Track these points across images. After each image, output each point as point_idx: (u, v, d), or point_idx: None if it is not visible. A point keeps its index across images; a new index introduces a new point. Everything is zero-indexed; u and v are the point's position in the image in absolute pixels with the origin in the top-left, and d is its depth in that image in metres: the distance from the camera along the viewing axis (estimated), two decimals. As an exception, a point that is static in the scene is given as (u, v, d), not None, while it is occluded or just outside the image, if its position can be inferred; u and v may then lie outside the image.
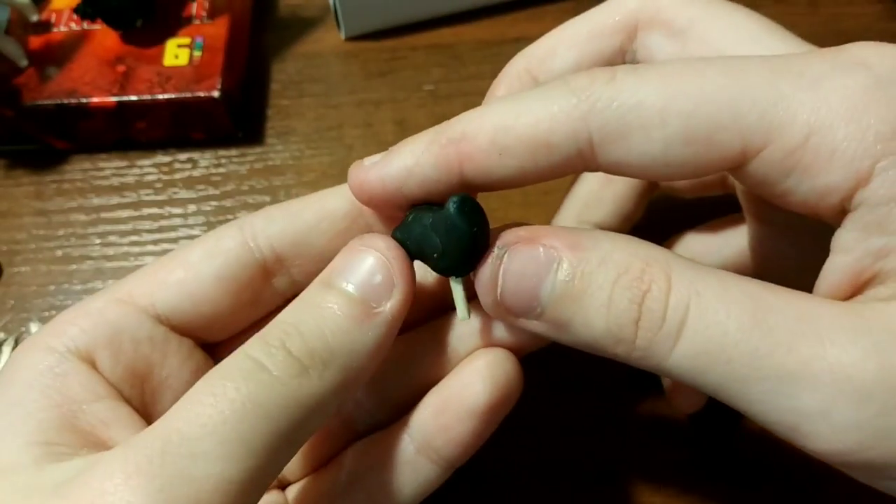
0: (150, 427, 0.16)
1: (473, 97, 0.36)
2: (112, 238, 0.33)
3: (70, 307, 0.20)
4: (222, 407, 0.16)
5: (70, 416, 0.18)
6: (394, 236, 0.19)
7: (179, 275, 0.21)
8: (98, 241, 0.33)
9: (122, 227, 0.34)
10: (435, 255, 0.19)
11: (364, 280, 0.18)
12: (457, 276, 0.19)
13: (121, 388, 0.20)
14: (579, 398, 0.29)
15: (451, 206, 0.18)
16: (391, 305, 0.18)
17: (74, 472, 0.16)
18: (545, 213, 0.33)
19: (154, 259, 0.22)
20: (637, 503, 0.27)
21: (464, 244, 0.18)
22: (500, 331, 0.21)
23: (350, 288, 0.18)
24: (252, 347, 0.17)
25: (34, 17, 0.35)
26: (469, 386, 0.20)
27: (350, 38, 0.39)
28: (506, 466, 0.28)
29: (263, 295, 0.22)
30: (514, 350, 0.21)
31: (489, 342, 0.21)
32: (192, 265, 0.21)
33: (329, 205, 0.21)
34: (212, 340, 0.22)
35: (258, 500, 0.17)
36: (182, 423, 0.16)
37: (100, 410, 0.18)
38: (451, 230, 0.18)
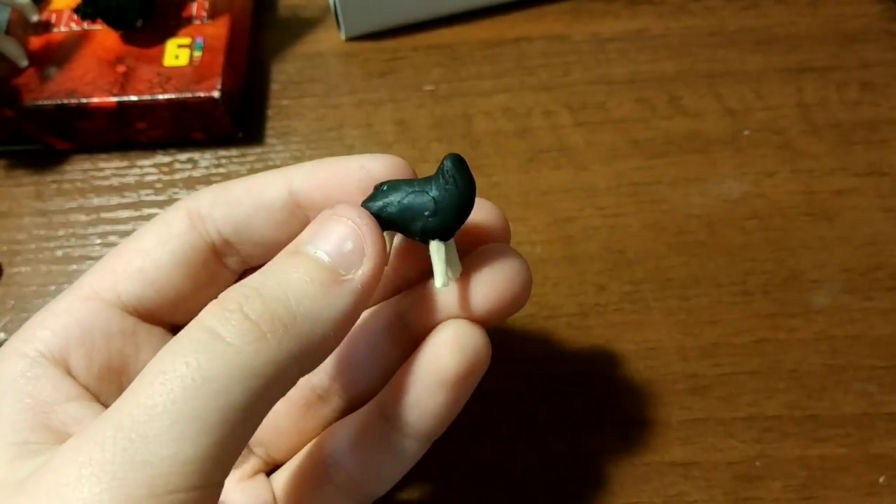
0: (105, 413, 0.16)
1: (473, 97, 0.36)
2: (112, 238, 0.33)
3: (38, 311, 0.20)
4: (172, 385, 0.15)
5: (43, 416, 0.18)
6: (364, 207, 0.19)
7: (138, 263, 0.20)
8: (98, 241, 0.33)
9: (123, 228, 0.34)
10: (426, 214, 0.19)
11: (334, 247, 0.18)
12: (443, 239, 0.19)
13: (99, 385, 0.20)
14: (578, 397, 0.29)
15: (449, 162, 0.19)
16: (361, 273, 0.18)
17: (39, 466, 0.16)
18: (545, 212, 0.33)
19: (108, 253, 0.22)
20: (635, 503, 0.27)
21: (462, 199, 0.19)
22: (470, 300, 0.20)
23: (318, 254, 0.18)
24: (206, 315, 0.17)
25: (34, 18, 0.35)
26: (437, 358, 0.20)
27: (350, 39, 0.39)
28: (506, 465, 0.28)
29: (219, 275, 0.22)
30: (485, 319, 0.21)
31: (460, 311, 0.21)
32: (148, 253, 0.21)
33: (266, 196, 0.21)
34: (180, 322, 0.22)
35: (224, 476, 0.16)
36: (132, 407, 0.15)
37: (73, 409, 0.18)
38: (449, 184, 0.19)
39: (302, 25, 0.39)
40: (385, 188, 0.19)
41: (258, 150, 0.36)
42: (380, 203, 0.19)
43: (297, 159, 0.35)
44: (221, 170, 0.35)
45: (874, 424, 0.28)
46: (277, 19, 0.40)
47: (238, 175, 0.35)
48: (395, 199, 0.19)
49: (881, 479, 0.27)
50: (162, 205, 0.34)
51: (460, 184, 0.19)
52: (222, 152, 0.35)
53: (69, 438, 0.16)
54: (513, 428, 0.28)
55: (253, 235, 0.21)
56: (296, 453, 0.23)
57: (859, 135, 0.34)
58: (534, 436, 0.28)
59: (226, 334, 0.16)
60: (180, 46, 0.35)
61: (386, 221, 0.19)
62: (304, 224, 0.20)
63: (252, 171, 0.35)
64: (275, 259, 0.19)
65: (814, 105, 0.35)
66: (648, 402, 0.29)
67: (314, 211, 0.20)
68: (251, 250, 0.22)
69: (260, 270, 0.18)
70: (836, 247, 0.32)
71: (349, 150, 0.35)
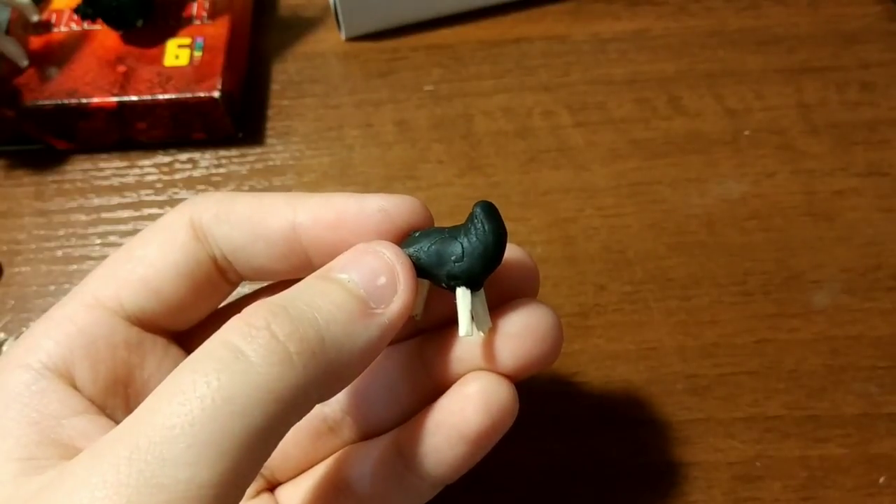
0: (116, 431, 0.16)
1: (473, 97, 0.36)
2: (112, 238, 0.33)
3: (40, 318, 0.20)
4: (191, 406, 0.15)
5: (49, 430, 0.18)
6: None
7: (140, 272, 0.20)
8: (98, 241, 0.33)
9: (123, 228, 0.34)
10: (453, 259, 0.19)
11: (367, 279, 0.18)
12: (470, 287, 0.19)
13: (104, 398, 0.19)
14: (578, 397, 0.29)
15: (479, 208, 0.19)
16: (391, 310, 0.18)
17: (47, 483, 0.16)
18: (545, 212, 0.33)
19: (110, 257, 0.21)
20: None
21: (490, 246, 0.18)
22: (498, 353, 0.20)
23: (351, 283, 0.18)
24: (230, 331, 0.16)
25: (35, 18, 0.35)
26: (461, 411, 0.20)
27: (350, 39, 0.39)
28: (506, 465, 0.28)
29: (221, 286, 0.22)
30: (512, 374, 0.20)
31: (486, 364, 0.20)
32: (152, 262, 0.20)
33: (267, 226, 0.20)
34: (181, 331, 0.22)
35: (238, 500, 0.16)
36: (149, 427, 0.15)
37: (80, 424, 0.18)
38: (478, 231, 0.19)
39: (302, 25, 0.39)
40: (417, 234, 0.19)
41: (258, 150, 0.36)
42: (411, 249, 0.19)
43: (297, 159, 0.35)
44: (221, 170, 0.35)
45: (874, 424, 0.28)
46: (277, 19, 0.40)
47: (238, 175, 0.35)
48: (425, 244, 0.19)
49: (881, 480, 0.27)
50: (162, 205, 0.34)
51: (489, 230, 0.18)
52: (222, 152, 0.35)
53: (77, 454, 0.16)
54: (513, 428, 0.28)
55: (251, 262, 0.21)
56: (298, 474, 0.23)
57: (859, 135, 0.34)
58: (534, 436, 0.28)
59: (250, 352, 0.16)
60: (180, 46, 0.35)
61: (417, 268, 0.19)
62: (303, 260, 0.20)
63: (252, 172, 0.35)
64: (303, 281, 0.18)
65: (814, 105, 0.35)
66: (648, 402, 0.29)
67: (317, 251, 0.20)
68: (248, 273, 0.21)
69: (285, 291, 0.18)
70: (836, 247, 0.32)
71: (349, 151, 0.35)
